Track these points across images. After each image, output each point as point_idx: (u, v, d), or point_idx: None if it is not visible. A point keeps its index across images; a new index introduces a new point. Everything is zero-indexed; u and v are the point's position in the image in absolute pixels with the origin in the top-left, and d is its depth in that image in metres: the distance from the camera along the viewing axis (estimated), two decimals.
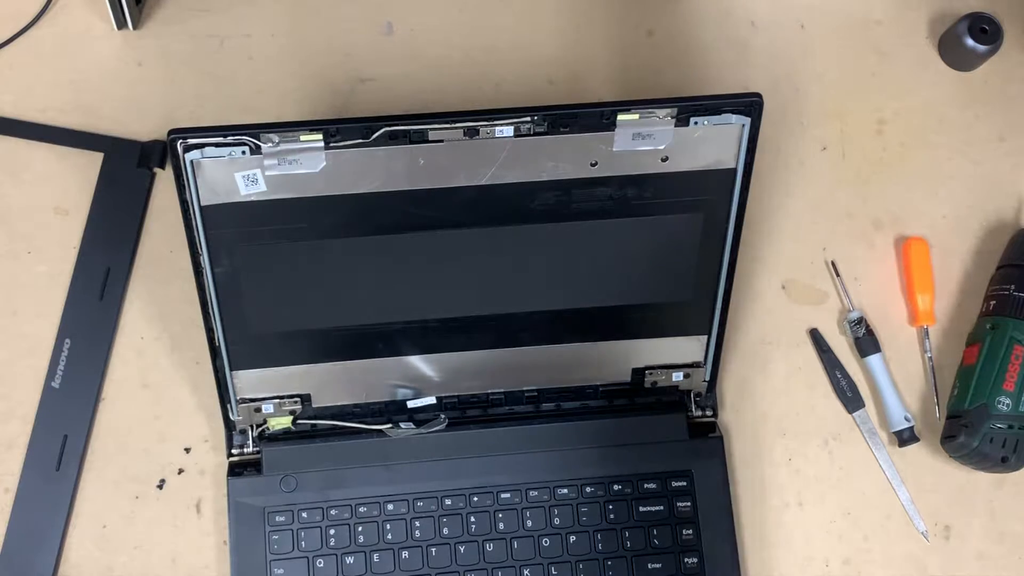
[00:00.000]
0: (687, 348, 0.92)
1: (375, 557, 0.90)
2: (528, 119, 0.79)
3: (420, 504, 0.91)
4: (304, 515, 0.90)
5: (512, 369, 0.91)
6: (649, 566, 0.91)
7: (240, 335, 0.86)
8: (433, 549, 0.90)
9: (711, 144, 0.82)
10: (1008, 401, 0.92)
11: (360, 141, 0.79)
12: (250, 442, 0.92)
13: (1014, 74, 1.05)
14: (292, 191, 0.80)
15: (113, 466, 0.92)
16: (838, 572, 0.94)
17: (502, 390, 0.93)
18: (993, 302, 0.96)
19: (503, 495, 0.91)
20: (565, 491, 0.92)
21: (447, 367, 0.90)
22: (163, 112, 0.99)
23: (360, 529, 0.90)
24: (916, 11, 1.06)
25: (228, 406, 0.90)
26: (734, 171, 0.83)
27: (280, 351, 0.88)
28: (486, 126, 0.79)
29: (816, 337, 0.98)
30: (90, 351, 0.94)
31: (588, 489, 0.92)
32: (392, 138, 0.79)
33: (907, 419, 0.95)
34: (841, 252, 1.00)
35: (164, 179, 0.98)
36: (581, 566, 0.90)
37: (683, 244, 0.86)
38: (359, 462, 0.91)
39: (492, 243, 0.85)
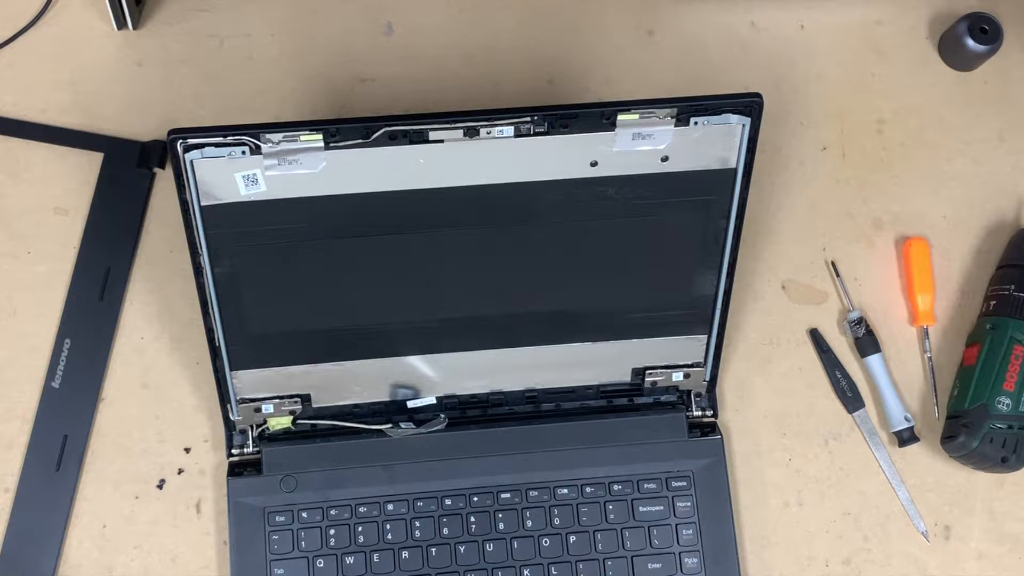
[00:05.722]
0: (687, 348, 0.92)
1: (375, 557, 0.90)
2: (528, 119, 0.79)
3: (420, 504, 0.91)
4: (304, 515, 0.90)
5: (512, 369, 0.91)
6: (649, 566, 0.91)
7: (240, 335, 0.86)
8: (433, 549, 0.90)
9: (711, 144, 0.82)
10: (1008, 401, 0.92)
11: (360, 141, 0.79)
12: (250, 442, 0.92)
13: (1014, 74, 1.05)
14: (292, 191, 0.80)
15: (113, 466, 0.92)
16: (838, 572, 0.94)
17: (502, 390, 0.93)
18: (993, 302, 0.96)
19: (503, 495, 0.91)
20: (565, 491, 0.92)
21: (447, 367, 0.90)
22: (163, 112, 0.99)
23: (360, 529, 0.90)
24: (916, 11, 1.06)
25: (228, 406, 0.90)
26: (734, 171, 0.83)
27: (280, 351, 0.88)
28: (486, 126, 0.79)
29: (816, 337, 0.98)
30: (90, 351, 0.94)
31: (588, 489, 0.92)
32: (392, 138, 0.79)
33: (907, 419, 0.95)
34: (841, 252, 1.00)
35: (164, 179, 0.98)
36: (581, 566, 0.90)
37: (683, 244, 0.86)
38: (359, 462, 0.91)
39: (492, 243, 0.85)
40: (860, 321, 0.97)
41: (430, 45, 1.02)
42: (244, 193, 0.80)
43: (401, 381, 0.91)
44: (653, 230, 0.85)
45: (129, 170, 0.97)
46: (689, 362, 0.93)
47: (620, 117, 0.80)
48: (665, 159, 0.82)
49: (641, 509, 0.92)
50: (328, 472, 0.91)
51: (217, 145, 0.78)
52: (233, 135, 0.78)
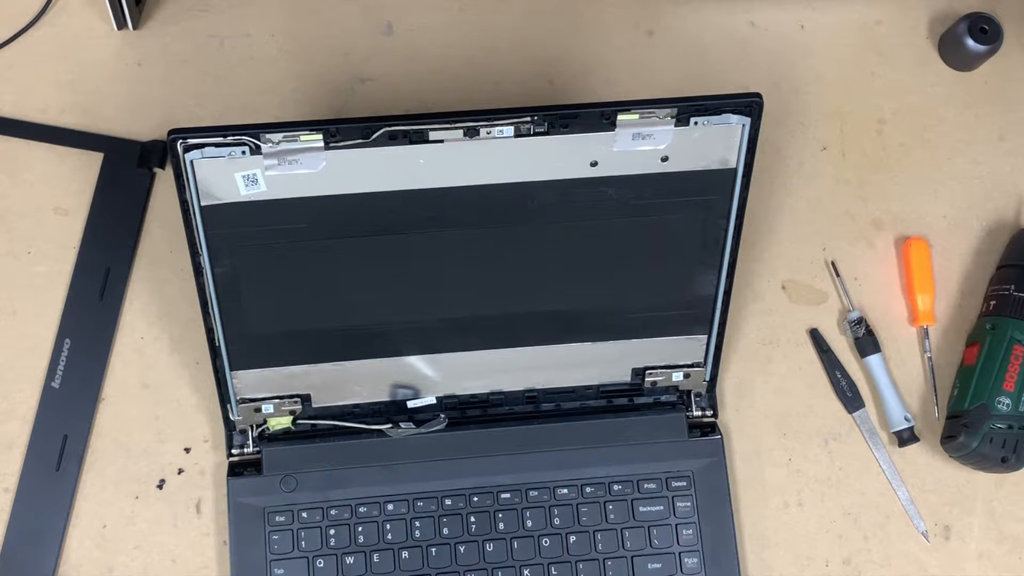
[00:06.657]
0: (687, 348, 0.92)
1: (375, 557, 0.90)
2: (528, 119, 0.79)
3: (420, 504, 0.91)
4: (304, 515, 0.90)
5: (512, 369, 0.91)
6: (649, 566, 0.91)
7: (240, 335, 0.86)
8: (433, 549, 0.90)
9: (711, 144, 0.82)
10: (1008, 401, 0.92)
11: (360, 141, 0.79)
12: (250, 442, 0.92)
13: (1014, 74, 1.05)
14: (292, 191, 0.80)
15: (113, 466, 0.92)
16: (838, 572, 0.94)
17: (502, 390, 0.93)
18: (993, 302, 0.96)
19: (503, 495, 0.91)
20: (565, 491, 0.92)
21: (447, 367, 0.90)
22: (163, 112, 0.99)
23: (360, 529, 0.90)
24: (916, 11, 1.06)
25: (228, 406, 0.90)
26: (734, 171, 0.83)
27: (280, 351, 0.88)
28: (486, 126, 0.79)
29: (816, 337, 0.98)
30: (90, 351, 0.94)
31: (588, 489, 0.92)
32: (392, 138, 0.79)
33: (907, 419, 0.95)
34: (841, 252, 1.00)
35: (164, 179, 0.98)
36: (581, 566, 0.90)
37: (683, 244, 0.86)
38: (359, 462, 0.91)
39: (492, 243, 0.85)
40: (860, 321, 0.97)
41: (430, 45, 1.02)
42: (244, 193, 0.80)
43: (401, 381, 0.91)
44: (653, 230, 0.85)
45: (129, 170, 0.97)
46: (689, 362, 0.93)
47: (620, 117, 0.80)
48: (665, 159, 0.82)
49: (641, 509, 0.92)
50: (328, 472, 0.91)
51: (217, 145, 0.78)
52: (233, 135, 0.78)
